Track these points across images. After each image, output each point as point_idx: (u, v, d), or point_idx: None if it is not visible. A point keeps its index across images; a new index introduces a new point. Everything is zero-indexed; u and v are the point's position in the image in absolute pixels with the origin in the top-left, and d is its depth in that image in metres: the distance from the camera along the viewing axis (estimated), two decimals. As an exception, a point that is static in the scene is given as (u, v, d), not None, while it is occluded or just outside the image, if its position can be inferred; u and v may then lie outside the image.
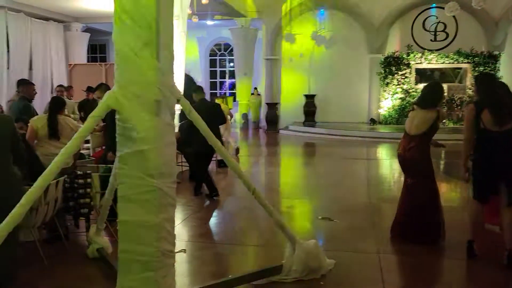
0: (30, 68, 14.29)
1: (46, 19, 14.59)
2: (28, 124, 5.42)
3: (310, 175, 8.83)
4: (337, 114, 15.64)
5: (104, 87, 5.42)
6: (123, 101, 2.74)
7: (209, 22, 16.92)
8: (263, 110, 16.16)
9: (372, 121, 15.14)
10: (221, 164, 8.47)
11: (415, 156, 4.34)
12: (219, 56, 20.16)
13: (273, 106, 15.79)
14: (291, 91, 15.79)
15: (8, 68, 13.47)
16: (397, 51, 15.03)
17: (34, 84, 6.42)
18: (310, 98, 15.27)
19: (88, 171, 4.41)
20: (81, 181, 4.29)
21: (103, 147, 5.81)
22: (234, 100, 17.70)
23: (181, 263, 3.98)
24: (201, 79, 18.97)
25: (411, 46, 14.97)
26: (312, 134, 14.12)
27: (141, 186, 2.78)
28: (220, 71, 20.36)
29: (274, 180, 8.30)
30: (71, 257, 4.11)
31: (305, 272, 3.51)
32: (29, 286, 3.51)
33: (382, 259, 4.08)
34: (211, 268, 4.00)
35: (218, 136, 6.64)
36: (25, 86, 6.12)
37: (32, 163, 3.79)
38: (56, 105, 4.61)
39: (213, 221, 5.65)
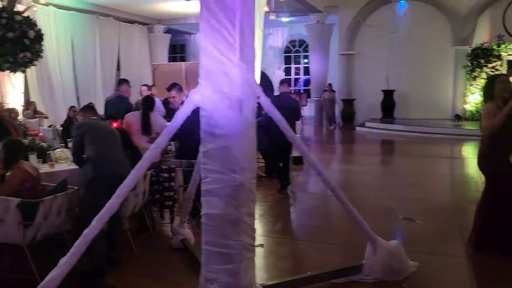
0: (118, 69, 15.37)
1: (132, 22, 15.57)
2: (121, 120, 5.87)
3: (389, 173, 8.52)
4: (417, 110, 14.89)
5: (178, 87, 5.56)
6: (207, 98, 2.85)
7: (284, 19, 16.96)
8: (338, 107, 15.85)
9: (457, 117, 14.22)
10: (296, 161, 8.48)
11: (479, 154, 4.07)
12: (294, 52, 20.13)
13: (349, 103, 15.44)
14: (368, 87, 15.33)
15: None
16: (486, 42, 13.94)
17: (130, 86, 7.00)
18: (388, 93, 14.71)
19: (172, 166, 4.64)
20: (166, 175, 4.53)
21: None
22: (309, 96, 17.58)
23: (258, 258, 4.03)
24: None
25: (503, 36, 13.79)
26: (390, 131, 13.58)
27: (224, 181, 2.87)
28: (295, 67, 20.32)
29: (350, 178, 8.13)
30: (157, 246, 4.36)
31: (386, 273, 3.41)
32: (120, 270, 3.76)
33: (470, 263, 3.83)
34: (287, 263, 4.03)
35: (295, 132, 6.67)
36: (123, 86, 6.68)
37: (135, 156, 4.08)
38: (149, 103, 4.97)
39: (289, 217, 5.68)
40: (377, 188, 7.00)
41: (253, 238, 3.02)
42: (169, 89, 5.25)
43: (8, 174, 3.55)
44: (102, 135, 3.89)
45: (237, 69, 2.82)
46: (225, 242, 2.90)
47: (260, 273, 3.71)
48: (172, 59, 19.75)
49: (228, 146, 2.84)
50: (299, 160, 8.48)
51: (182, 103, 5.10)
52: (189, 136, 3.91)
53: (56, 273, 2.57)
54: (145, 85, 9.53)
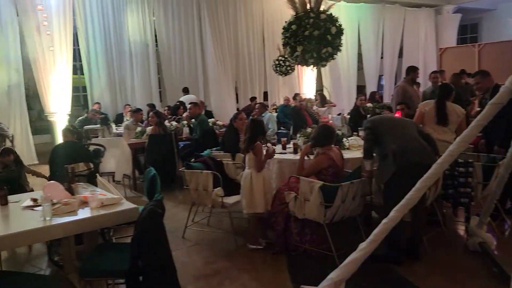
0: (400, 56, 15.16)
1: (418, 6, 15.00)
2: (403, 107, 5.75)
3: None
4: None
5: (482, 73, 4.90)
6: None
7: None
8: None
9: None
10: None
11: None
12: None
13: None
14: None
15: (382, 58, 14.81)
16: None
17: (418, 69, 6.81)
18: None
19: (470, 160, 4.19)
20: (462, 169, 4.13)
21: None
22: None
23: None
24: None
25: None
26: None
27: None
28: None
29: None
30: (449, 245, 4.05)
31: None
32: (413, 263, 3.65)
33: None
34: None
35: None
36: (414, 72, 6.58)
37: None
38: (445, 92, 4.59)
39: None
40: None
41: None
42: (474, 75, 4.72)
43: (315, 157, 3.97)
44: (395, 125, 3.84)
45: None
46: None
47: None
48: (460, 41, 18.05)
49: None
50: None
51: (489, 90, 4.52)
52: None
53: (357, 256, 2.68)
54: (434, 72, 8.95)
